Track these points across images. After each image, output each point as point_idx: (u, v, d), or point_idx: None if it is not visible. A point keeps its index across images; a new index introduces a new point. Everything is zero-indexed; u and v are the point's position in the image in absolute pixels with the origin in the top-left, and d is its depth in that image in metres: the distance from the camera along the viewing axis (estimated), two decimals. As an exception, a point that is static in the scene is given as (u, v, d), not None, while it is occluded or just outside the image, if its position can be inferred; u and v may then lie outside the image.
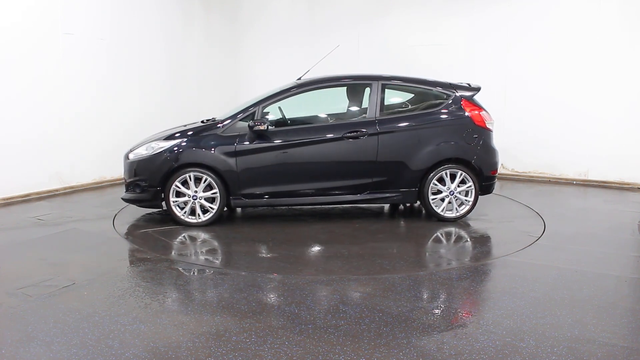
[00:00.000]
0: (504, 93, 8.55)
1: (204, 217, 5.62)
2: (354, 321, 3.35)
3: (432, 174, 5.70)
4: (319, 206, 6.42)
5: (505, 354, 2.93)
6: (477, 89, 5.96)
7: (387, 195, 5.78)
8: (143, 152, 5.76)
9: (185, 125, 6.11)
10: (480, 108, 5.83)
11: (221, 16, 10.35)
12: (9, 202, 6.62)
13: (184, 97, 9.43)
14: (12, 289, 3.84)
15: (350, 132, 5.64)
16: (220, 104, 9.43)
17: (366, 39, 9.53)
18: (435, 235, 5.42)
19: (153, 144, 5.75)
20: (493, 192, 6.10)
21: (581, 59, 8.00)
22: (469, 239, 5.30)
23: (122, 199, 5.88)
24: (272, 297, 3.75)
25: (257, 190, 5.68)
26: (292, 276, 4.15)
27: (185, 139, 5.67)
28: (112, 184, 8.03)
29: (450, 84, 5.93)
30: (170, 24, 9.10)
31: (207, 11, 9.96)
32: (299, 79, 6.21)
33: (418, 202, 5.89)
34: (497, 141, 6.00)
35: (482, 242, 5.25)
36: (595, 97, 7.96)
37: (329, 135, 5.69)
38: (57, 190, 7.28)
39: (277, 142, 5.65)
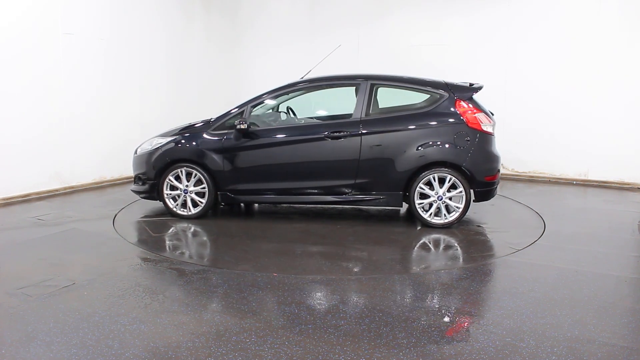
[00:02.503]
0: (504, 93, 8.55)
1: (194, 210, 5.89)
2: (354, 321, 3.35)
3: (419, 178, 5.47)
4: (317, 206, 6.43)
5: (505, 354, 2.93)
6: (476, 89, 5.67)
7: (371, 197, 5.61)
8: (147, 147, 6.15)
9: (189, 123, 6.30)
10: (476, 109, 5.51)
11: (222, 16, 10.35)
12: (9, 202, 6.62)
13: (185, 97, 9.44)
14: (12, 289, 3.84)
15: (332, 132, 5.58)
16: (221, 103, 9.43)
17: (366, 38, 9.54)
18: (409, 240, 5.20)
19: (154, 140, 6.14)
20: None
21: (582, 59, 8.01)
22: (456, 241, 5.29)
23: (131, 190, 6.32)
24: (272, 297, 3.75)
25: (243, 187, 5.82)
26: (292, 276, 4.15)
27: (180, 136, 6.00)
28: (112, 184, 8.03)
29: (446, 83, 5.67)
30: (171, 23, 9.10)
31: (207, 11, 9.96)
32: (302, 78, 6.24)
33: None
34: (497, 141, 5.78)
35: (480, 242, 5.25)
36: (595, 97, 7.97)
37: (312, 135, 5.66)
38: (57, 190, 7.28)
39: (261, 141, 5.74)
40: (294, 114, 6.54)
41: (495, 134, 5.73)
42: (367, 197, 5.64)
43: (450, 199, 5.49)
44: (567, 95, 8.17)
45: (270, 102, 6.15)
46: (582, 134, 8.11)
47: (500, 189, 6.83)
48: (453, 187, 5.48)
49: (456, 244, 5.10)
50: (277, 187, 5.77)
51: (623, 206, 6.74)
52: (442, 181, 5.47)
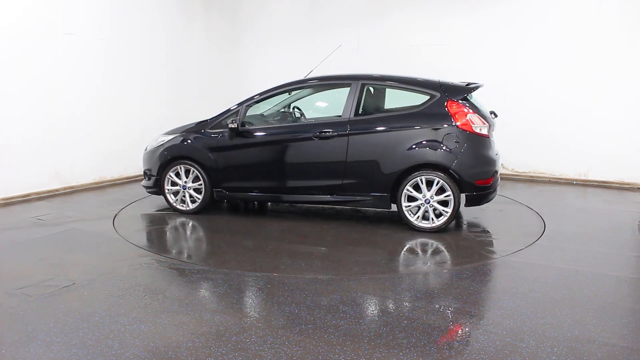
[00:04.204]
0: (504, 93, 8.55)
1: (192, 206, 6.09)
2: (354, 321, 3.35)
3: (406, 180, 5.32)
4: (317, 206, 6.43)
5: (505, 354, 2.93)
6: (470, 89, 5.49)
7: (358, 198, 5.55)
8: (153, 144, 6.38)
9: (195, 122, 6.45)
10: (468, 110, 5.27)
11: (222, 16, 10.34)
12: (9, 202, 6.62)
13: (185, 97, 9.43)
14: (12, 289, 3.84)
15: (319, 132, 5.57)
16: (221, 103, 9.41)
17: (366, 38, 9.54)
18: (386, 243, 5.05)
19: (160, 137, 6.35)
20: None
21: (582, 59, 8.00)
22: (438, 246, 5.28)
23: (141, 185, 6.58)
24: (272, 297, 3.75)
25: (235, 185, 5.96)
26: (292, 276, 4.15)
27: (181, 134, 6.17)
28: (112, 184, 8.03)
29: (440, 83, 5.48)
30: (171, 23, 9.09)
31: (207, 11, 9.96)
32: (305, 77, 6.30)
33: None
34: (496, 142, 5.69)
35: (464, 247, 5.24)
36: (595, 97, 7.97)
37: (299, 135, 5.69)
38: (57, 190, 7.28)
39: (252, 140, 5.85)
40: (302, 113, 6.56)
41: (494, 136, 5.59)
42: (355, 198, 5.59)
43: (440, 202, 5.30)
44: (567, 95, 8.16)
45: (267, 102, 6.22)
46: (582, 134, 8.11)
47: (500, 189, 6.81)
48: (443, 190, 5.28)
49: (437, 249, 5.03)
50: (267, 186, 5.86)
51: (623, 206, 6.74)
52: (430, 184, 5.29)
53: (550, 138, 8.36)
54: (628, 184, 7.84)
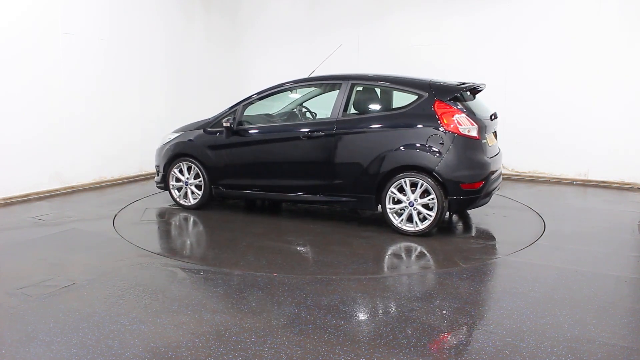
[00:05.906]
0: (504, 93, 8.54)
1: (193, 201, 6.35)
2: (354, 321, 3.35)
3: (391, 181, 5.20)
4: (317, 206, 6.43)
5: (505, 354, 2.93)
6: (462, 89, 5.31)
7: (344, 199, 5.50)
8: (163, 141, 6.63)
9: (202, 120, 6.61)
10: (455, 111, 5.08)
11: (222, 16, 10.34)
12: (9, 202, 6.62)
13: (185, 97, 9.43)
14: (12, 289, 3.84)
15: (307, 132, 5.61)
16: (221, 103, 9.41)
17: (366, 38, 9.53)
18: (362, 246, 4.95)
19: (168, 135, 6.59)
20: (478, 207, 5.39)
21: (582, 59, 7.99)
22: (414, 251, 5.28)
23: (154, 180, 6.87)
24: (272, 297, 3.75)
25: (231, 182, 6.10)
26: (292, 276, 4.15)
27: (184, 132, 6.40)
28: (112, 184, 8.03)
29: (429, 83, 5.32)
30: (171, 23, 9.08)
31: (207, 11, 9.95)
32: (308, 77, 6.35)
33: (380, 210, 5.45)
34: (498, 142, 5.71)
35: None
36: (595, 96, 7.96)
37: (289, 135, 5.75)
38: (57, 190, 7.28)
39: (246, 139, 5.99)
40: (312, 113, 6.56)
41: (495, 137, 5.56)
42: (341, 199, 5.54)
43: (425, 205, 5.13)
44: (567, 95, 8.16)
45: (270, 102, 6.32)
46: (582, 134, 8.11)
47: (500, 188, 6.79)
48: (428, 193, 5.09)
49: (406, 254, 4.96)
50: (258, 184, 5.97)
51: (623, 206, 6.74)
52: (415, 186, 5.14)
53: (550, 138, 8.35)
54: (628, 184, 7.84)
